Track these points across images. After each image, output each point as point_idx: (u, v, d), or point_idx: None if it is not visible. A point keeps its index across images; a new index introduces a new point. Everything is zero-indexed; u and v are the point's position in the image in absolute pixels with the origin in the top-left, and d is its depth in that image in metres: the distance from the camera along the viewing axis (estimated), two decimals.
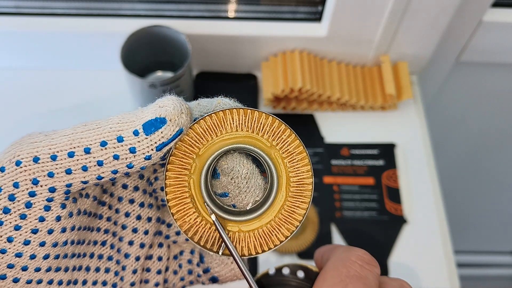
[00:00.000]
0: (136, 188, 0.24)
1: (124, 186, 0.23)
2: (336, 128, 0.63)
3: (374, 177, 0.59)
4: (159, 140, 0.20)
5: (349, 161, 0.60)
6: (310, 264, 0.26)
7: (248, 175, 0.22)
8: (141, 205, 0.24)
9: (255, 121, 0.21)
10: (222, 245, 0.22)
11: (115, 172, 0.20)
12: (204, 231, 0.22)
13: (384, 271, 0.54)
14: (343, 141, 0.62)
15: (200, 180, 0.22)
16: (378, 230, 0.56)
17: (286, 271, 0.25)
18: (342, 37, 0.61)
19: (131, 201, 0.24)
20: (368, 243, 0.55)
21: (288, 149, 0.22)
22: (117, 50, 0.54)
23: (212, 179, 0.22)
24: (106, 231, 0.24)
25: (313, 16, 0.62)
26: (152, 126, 0.19)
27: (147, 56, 0.60)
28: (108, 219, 0.24)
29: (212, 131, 0.21)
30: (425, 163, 0.61)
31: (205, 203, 0.22)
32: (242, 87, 0.66)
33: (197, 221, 0.22)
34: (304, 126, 0.63)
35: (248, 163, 0.22)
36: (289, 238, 0.23)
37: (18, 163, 0.19)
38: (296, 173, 0.22)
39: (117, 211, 0.24)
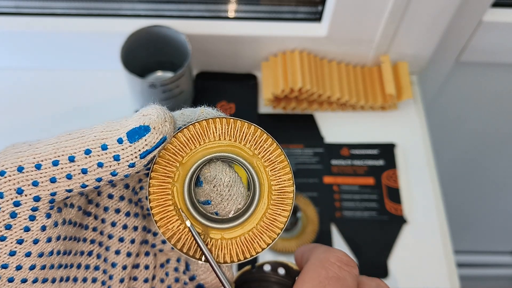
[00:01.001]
0: (121, 198, 0.24)
1: (110, 196, 0.23)
2: (336, 128, 0.63)
3: (374, 177, 0.59)
4: (143, 147, 0.20)
5: (349, 161, 0.60)
6: (292, 262, 0.26)
7: (230, 183, 0.22)
8: (127, 214, 0.24)
9: (237, 130, 0.22)
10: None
11: (99, 180, 0.20)
12: (187, 238, 0.22)
13: (384, 271, 0.54)
14: (343, 141, 0.62)
15: (183, 188, 0.22)
16: (378, 230, 0.56)
17: (267, 267, 0.25)
18: (342, 37, 0.61)
19: (117, 211, 0.24)
20: (368, 243, 0.55)
21: (270, 158, 0.22)
22: (117, 50, 0.54)
23: (196, 187, 0.23)
24: (92, 241, 0.24)
25: (313, 16, 0.62)
26: (136, 134, 0.20)
27: (147, 56, 0.60)
28: (94, 229, 0.24)
29: (195, 140, 0.22)
30: (425, 163, 0.61)
31: (180, 209, 0.22)
32: (242, 87, 0.66)
33: (180, 229, 0.22)
34: (304, 126, 0.63)
35: (231, 171, 0.22)
36: (270, 245, 0.23)
37: (2, 173, 0.19)
38: (278, 182, 0.22)
39: (103, 221, 0.24)
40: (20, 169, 0.19)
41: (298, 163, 0.60)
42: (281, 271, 0.25)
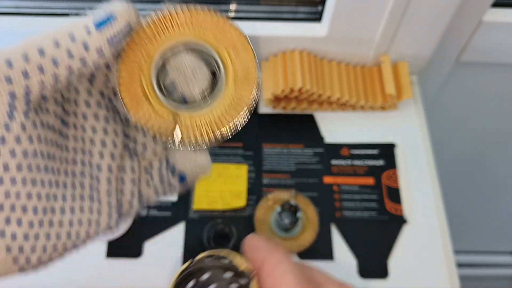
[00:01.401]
0: (99, 105, 0.24)
1: (87, 105, 0.24)
2: (336, 128, 0.63)
3: (374, 177, 0.59)
4: (110, 34, 0.21)
5: (349, 161, 0.60)
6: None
7: (193, 65, 0.23)
8: (106, 120, 0.24)
9: (202, 19, 0.23)
10: (176, 129, 0.23)
11: (71, 72, 0.21)
12: (160, 123, 0.23)
13: (384, 271, 0.54)
14: (343, 141, 0.62)
15: (150, 76, 0.23)
16: (378, 230, 0.56)
17: (208, 258, 0.26)
18: (342, 37, 0.61)
19: (96, 117, 0.24)
20: (368, 243, 0.55)
21: (235, 45, 0.23)
22: None
23: (163, 76, 0.24)
24: (75, 150, 0.24)
25: (313, 16, 0.62)
26: (103, 22, 0.21)
27: None
28: (75, 138, 0.24)
29: (160, 30, 0.23)
30: (425, 163, 0.61)
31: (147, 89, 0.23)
32: None
33: (152, 115, 0.23)
34: (304, 126, 0.63)
35: (193, 55, 0.23)
36: (238, 120, 0.23)
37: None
38: (243, 67, 0.23)
39: (83, 128, 0.24)
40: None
41: (298, 163, 0.60)
42: (224, 260, 0.26)
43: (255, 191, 0.57)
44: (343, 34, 0.60)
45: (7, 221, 0.21)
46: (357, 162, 0.60)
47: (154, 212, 0.56)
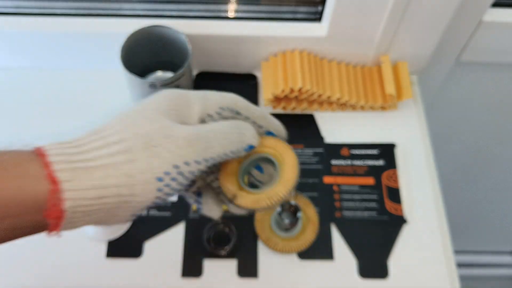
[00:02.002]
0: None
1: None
2: (336, 128, 0.63)
3: (374, 177, 0.59)
4: (246, 151, 0.36)
5: (349, 161, 0.60)
6: None
7: (263, 166, 0.39)
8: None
9: (268, 140, 0.38)
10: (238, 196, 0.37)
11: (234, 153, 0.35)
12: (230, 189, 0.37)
13: (384, 271, 0.54)
14: (343, 141, 0.62)
15: (239, 170, 0.38)
16: (378, 230, 0.56)
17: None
18: (342, 37, 0.61)
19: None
20: (368, 243, 0.55)
21: (285, 152, 0.38)
22: (117, 50, 0.54)
23: (253, 170, 0.40)
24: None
25: (313, 16, 0.62)
26: (250, 148, 0.35)
27: (147, 56, 0.60)
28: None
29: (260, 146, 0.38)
30: (425, 163, 0.61)
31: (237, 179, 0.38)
32: (242, 87, 0.66)
33: (229, 185, 0.37)
34: (304, 126, 0.63)
35: (264, 162, 0.39)
36: (270, 204, 0.36)
37: (187, 163, 0.31)
38: (290, 164, 0.37)
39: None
40: (198, 162, 0.32)
41: (298, 163, 0.60)
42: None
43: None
44: (343, 34, 0.60)
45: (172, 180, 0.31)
46: (357, 162, 0.60)
47: (154, 212, 0.56)
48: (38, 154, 0.27)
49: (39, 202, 0.26)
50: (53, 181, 0.26)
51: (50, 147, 0.28)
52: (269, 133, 0.39)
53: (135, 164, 0.29)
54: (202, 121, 0.34)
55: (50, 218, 0.26)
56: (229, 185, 0.37)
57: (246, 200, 0.37)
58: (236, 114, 0.36)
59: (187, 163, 0.31)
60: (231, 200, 0.37)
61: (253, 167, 0.40)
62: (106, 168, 0.28)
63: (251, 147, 0.35)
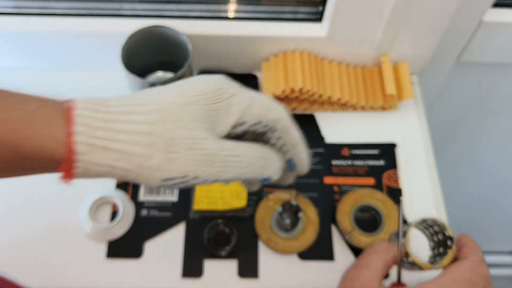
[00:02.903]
0: None
1: None
2: (336, 128, 0.63)
3: (374, 177, 0.59)
4: (260, 182, 0.36)
5: (349, 161, 0.60)
6: None
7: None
8: None
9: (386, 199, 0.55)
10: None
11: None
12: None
13: None
14: (343, 141, 0.62)
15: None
16: None
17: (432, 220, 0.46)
18: (343, 38, 0.61)
19: None
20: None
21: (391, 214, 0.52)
22: (118, 50, 0.54)
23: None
24: None
25: (313, 16, 0.62)
26: (266, 180, 0.35)
27: (147, 56, 0.60)
28: None
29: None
30: (425, 163, 0.61)
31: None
32: (242, 87, 0.66)
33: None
34: (304, 127, 0.62)
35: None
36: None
37: (196, 178, 0.32)
38: (392, 223, 0.50)
39: None
40: (207, 180, 0.32)
41: None
42: (439, 222, 0.45)
43: (256, 192, 0.57)
44: (344, 35, 0.60)
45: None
46: (358, 162, 0.60)
47: (154, 213, 0.56)
48: (67, 116, 0.29)
49: (54, 159, 0.29)
50: (70, 151, 0.28)
51: (80, 109, 0.29)
52: (290, 162, 0.37)
53: (148, 160, 0.30)
54: (234, 126, 0.33)
55: (63, 173, 0.29)
56: (344, 225, 0.53)
57: (359, 240, 0.51)
58: (271, 131, 0.35)
59: (196, 178, 0.31)
60: (346, 236, 0.52)
61: (358, 211, 0.54)
62: (121, 153, 0.29)
63: (267, 180, 0.35)
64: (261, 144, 0.35)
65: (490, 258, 1.25)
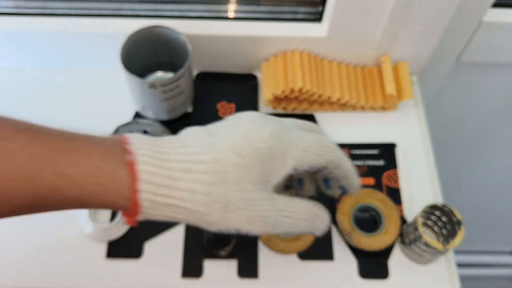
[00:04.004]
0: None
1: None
2: (336, 128, 0.63)
3: (374, 177, 0.59)
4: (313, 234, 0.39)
5: None
6: None
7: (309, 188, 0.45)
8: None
9: (364, 191, 0.55)
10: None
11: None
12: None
13: (385, 271, 0.54)
14: (343, 141, 0.62)
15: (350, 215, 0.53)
16: None
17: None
18: (343, 38, 0.61)
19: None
20: None
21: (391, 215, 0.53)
22: (117, 50, 0.54)
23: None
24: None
25: (313, 16, 0.62)
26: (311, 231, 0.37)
27: (147, 56, 0.60)
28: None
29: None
30: (425, 163, 0.61)
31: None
32: (242, 87, 0.66)
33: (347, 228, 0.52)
34: None
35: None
36: (377, 248, 0.52)
37: (248, 232, 0.34)
38: (393, 225, 0.53)
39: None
40: (256, 234, 0.34)
41: None
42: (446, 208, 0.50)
43: None
44: (344, 35, 0.60)
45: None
46: (358, 162, 0.60)
47: None
48: (131, 173, 0.30)
49: (118, 208, 0.31)
50: (135, 205, 0.30)
51: (143, 163, 0.30)
52: (342, 188, 0.39)
53: (206, 216, 0.32)
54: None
55: (126, 218, 0.32)
56: (344, 225, 0.53)
57: (359, 240, 0.52)
58: (323, 168, 0.37)
59: (248, 232, 0.33)
60: (346, 237, 0.53)
61: (358, 211, 0.54)
62: (182, 208, 0.31)
63: (312, 233, 0.37)
64: (313, 203, 0.37)
65: (490, 258, 1.25)
